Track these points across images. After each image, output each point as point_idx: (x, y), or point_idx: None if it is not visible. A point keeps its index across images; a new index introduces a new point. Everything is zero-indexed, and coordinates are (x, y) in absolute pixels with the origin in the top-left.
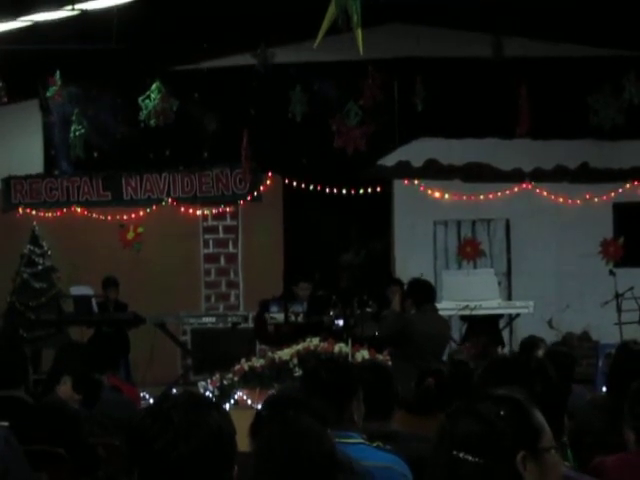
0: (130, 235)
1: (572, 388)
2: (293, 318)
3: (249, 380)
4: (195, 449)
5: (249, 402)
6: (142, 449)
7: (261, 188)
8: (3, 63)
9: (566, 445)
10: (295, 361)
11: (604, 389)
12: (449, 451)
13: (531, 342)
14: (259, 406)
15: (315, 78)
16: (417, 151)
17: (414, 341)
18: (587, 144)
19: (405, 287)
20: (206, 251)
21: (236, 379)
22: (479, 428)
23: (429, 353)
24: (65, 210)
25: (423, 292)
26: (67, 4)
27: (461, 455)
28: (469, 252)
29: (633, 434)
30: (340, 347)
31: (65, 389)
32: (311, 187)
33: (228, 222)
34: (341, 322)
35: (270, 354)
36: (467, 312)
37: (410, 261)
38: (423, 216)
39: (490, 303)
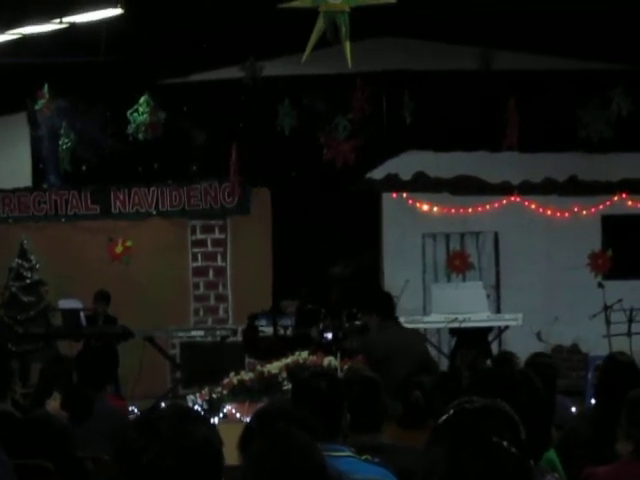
0: (119, 249)
1: (556, 399)
2: (282, 332)
3: (238, 394)
4: (183, 461)
5: (238, 416)
6: (130, 462)
7: (250, 201)
8: None
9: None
10: (284, 374)
11: (593, 401)
12: (488, 439)
13: (504, 358)
14: (248, 420)
15: (304, 91)
16: (406, 164)
17: (382, 362)
18: (576, 157)
19: (362, 299)
20: (195, 264)
21: (225, 393)
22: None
23: (401, 368)
24: (53, 224)
25: (386, 306)
26: (55, 17)
27: (504, 443)
28: (458, 265)
29: (632, 443)
30: (329, 360)
31: (55, 405)
32: (300, 200)
33: (217, 235)
34: (330, 335)
35: (259, 368)
36: (456, 325)
37: (399, 274)
38: (412, 229)
39: (479, 316)
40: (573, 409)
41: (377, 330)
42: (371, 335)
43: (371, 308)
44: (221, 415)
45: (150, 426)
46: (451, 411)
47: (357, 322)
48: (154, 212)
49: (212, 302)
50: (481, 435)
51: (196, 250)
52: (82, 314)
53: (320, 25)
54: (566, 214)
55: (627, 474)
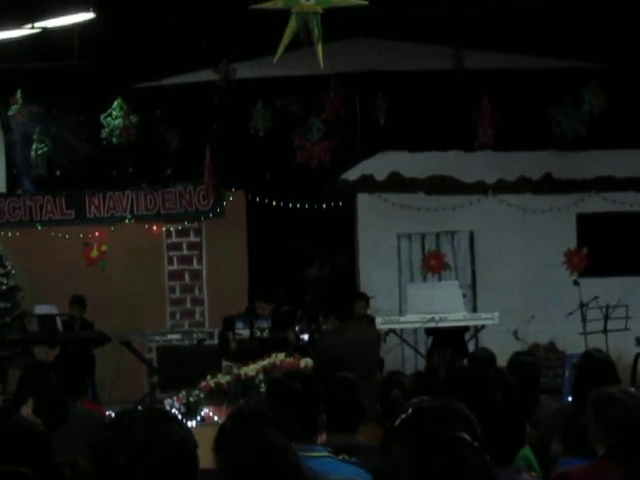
0: (94, 253)
1: (540, 398)
2: (259, 334)
3: (215, 396)
4: (158, 462)
5: (216, 419)
6: (106, 464)
7: (225, 204)
8: None
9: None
10: (261, 377)
11: (570, 399)
12: (451, 434)
13: (483, 356)
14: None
15: (277, 93)
16: (380, 165)
17: (330, 364)
18: (550, 155)
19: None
20: (170, 268)
21: (203, 396)
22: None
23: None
24: (28, 229)
25: (342, 309)
26: (27, 22)
27: (467, 437)
28: (434, 265)
29: (602, 446)
30: (306, 362)
31: (29, 411)
32: (275, 202)
33: (192, 239)
34: (306, 337)
35: (236, 370)
36: (432, 325)
37: (375, 275)
38: (387, 229)
39: (455, 315)
40: None
41: (333, 333)
42: (322, 339)
43: (329, 311)
44: (199, 418)
45: (125, 428)
46: (410, 410)
47: (324, 326)
48: (129, 216)
49: (188, 305)
50: (444, 431)
51: (172, 254)
52: (58, 319)
53: (292, 26)
54: (541, 212)
55: (600, 474)
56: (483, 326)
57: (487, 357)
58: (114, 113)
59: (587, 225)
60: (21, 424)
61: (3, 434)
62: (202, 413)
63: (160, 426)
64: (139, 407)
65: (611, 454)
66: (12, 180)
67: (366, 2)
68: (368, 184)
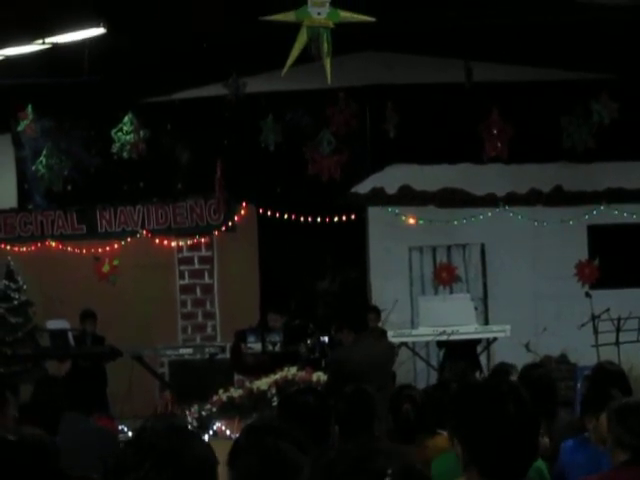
0: (105, 268)
1: (557, 410)
2: (270, 347)
3: (228, 410)
4: (178, 477)
5: (228, 433)
6: (125, 479)
7: (236, 218)
8: None
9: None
10: (273, 391)
11: None
12: None
13: (503, 369)
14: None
15: (287, 107)
16: (391, 178)
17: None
18: (560, 167)
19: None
20: (182, 282)
21: (215, 410)
22: None
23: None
24: (40, 244)
25: (357, 321)
26: (38, 38)
27: None
28: (445, 277)
29: (625, 451)
30: (318, 376)
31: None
32: (286, 216)
33: (203, 253)
34: (326, 339)
35: (248, 384)
36: (444, 337)
37: (386, 288)
38: (398, 242)
39: (467, 328)
40: None
41: (346, 346)
42: (336, 352)
43: (343, 323)
44: (211, 432)
45: (145, 443)
46: None
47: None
48: (140, 231)
49: (200, 319)
50: None
51: (183, 268)
52: (70, 334)
53: (302, 39)
54: (552, 224)
55: (621, 479)
56: (495, 338)
57: (503, 370)
58: (124, 128)
59: (598, 237)
60: (33, 439)
61: (13, 449)
62: (214, 427)
63: (180, 441)
64: (152, 422)
65: (634, 459)
66: (23, 195)
67: (373, 19)
68: (379, 197)
